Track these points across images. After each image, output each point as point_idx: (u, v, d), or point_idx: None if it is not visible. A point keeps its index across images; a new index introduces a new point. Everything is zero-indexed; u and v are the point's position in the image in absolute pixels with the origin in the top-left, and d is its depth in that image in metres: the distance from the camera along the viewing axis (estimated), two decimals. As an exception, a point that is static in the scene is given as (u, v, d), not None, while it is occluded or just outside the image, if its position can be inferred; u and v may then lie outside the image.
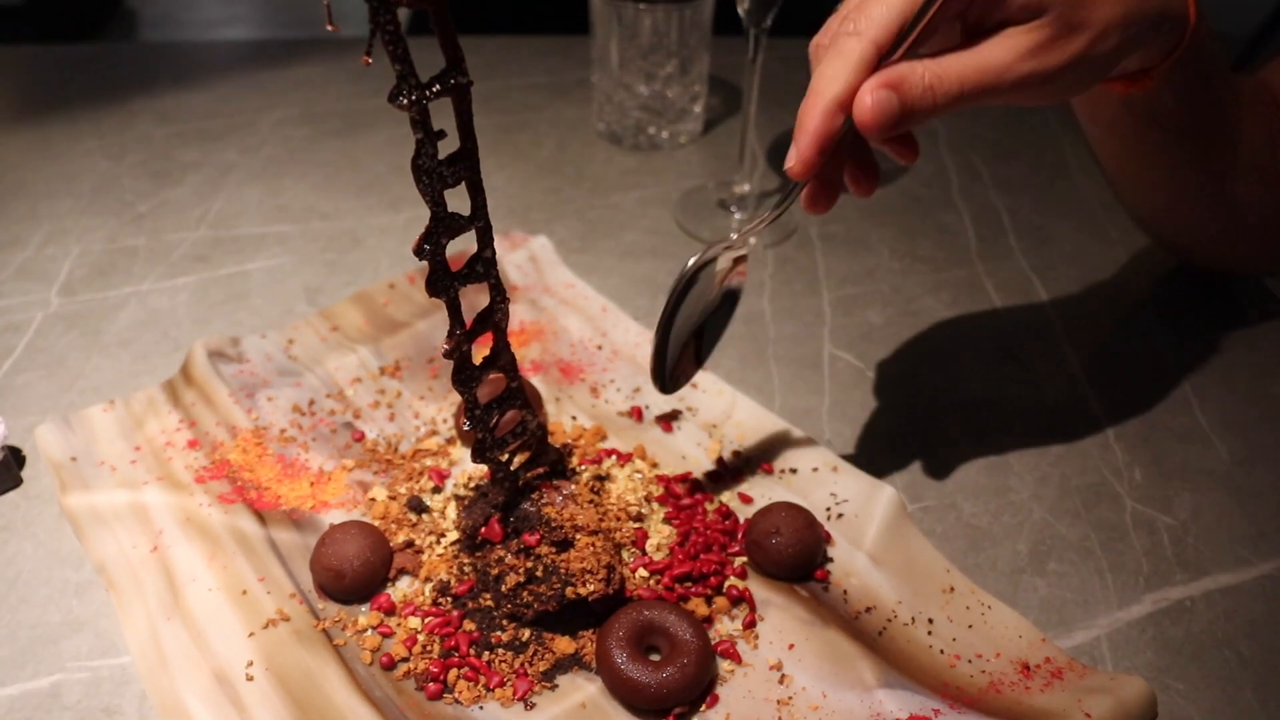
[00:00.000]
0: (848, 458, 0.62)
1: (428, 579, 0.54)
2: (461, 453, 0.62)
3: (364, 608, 0.53)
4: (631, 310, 0.74)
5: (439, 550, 0.56)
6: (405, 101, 0.38)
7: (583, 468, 0.60)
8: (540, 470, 0.55)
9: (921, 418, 0.66)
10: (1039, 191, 0.89)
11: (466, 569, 0.54)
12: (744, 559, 0.56)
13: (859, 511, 0.58)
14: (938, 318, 0.75)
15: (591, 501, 0.54)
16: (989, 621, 0.53)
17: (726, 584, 0.54)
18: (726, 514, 0.58)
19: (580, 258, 0.80)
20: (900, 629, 0.53)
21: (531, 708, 0.49)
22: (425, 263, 0.44)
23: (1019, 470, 0.63)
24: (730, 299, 0.56)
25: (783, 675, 0.50)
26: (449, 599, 0.53)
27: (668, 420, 0.65)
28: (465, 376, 0.48)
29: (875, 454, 0.63)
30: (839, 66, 0.46)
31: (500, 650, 0.51)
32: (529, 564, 0.51)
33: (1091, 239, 0.83)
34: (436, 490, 0.59)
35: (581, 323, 0.72)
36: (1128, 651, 0.52)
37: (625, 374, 0.68)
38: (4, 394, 0.66)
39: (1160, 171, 0.67)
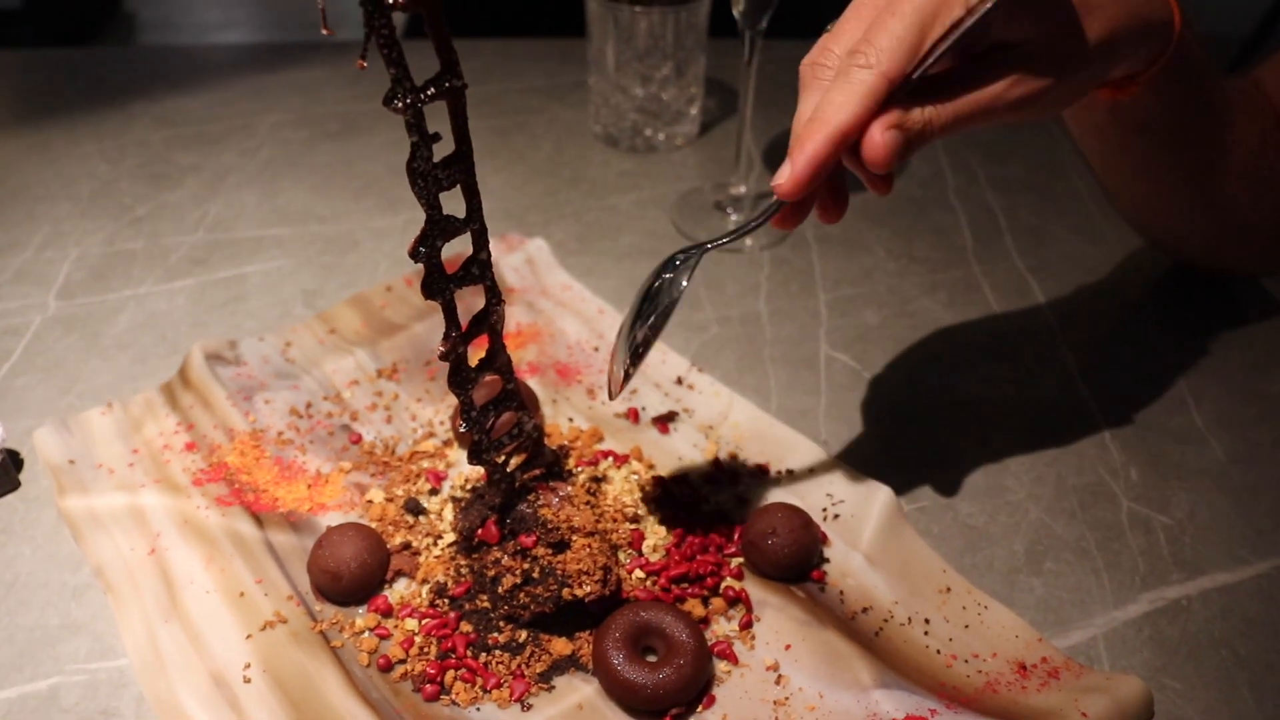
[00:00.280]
0: (844, 458, 0.62)
1: (425, 581, 0.54)
2: (458, 455, 0.62)
3: (361, 609, 0.53)
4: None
5: (436, 552, 0.56)
6: (400, 105, 0.39)
7: (579, 469, 0.60)
8: (537, 472, 0.55)
9: (918, 418, 0.66)
10: (1035, 192, 0.90)
11: (463, 571, 0.54)
12: (740, 560, 0.56)
13: (855, 512, 0.58)
14: (934, 318, 0.75)
15: (588, 503, 0.55)
16: (985, 621, 0.53)
17: (723, 585, 0.55)
18: (723, 515, 0.58)
19: (577, 260, 0.80)
20: (897, 629, 0.53)
21: (528, 709, 0.49)
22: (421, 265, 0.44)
23: (1015, 470, 0.63)
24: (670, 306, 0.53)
25: (779, 676, 0.50)
26: (446, 600, 0.53)
27: (664, 422, 0.65)
28: (461, 379, 0.48)
29: (871, 454, 0.64)
30: (849, 96, 0.45)
31: (497, 651, 0.51)
32: (526, 565, 0.51)
33: (1087, 240, 0.83)
34: (433, 492, 0.60)
35: (578, 325, 0.72)
36: (1124, 651, 0.53)
37: (622, 375, 0.68)
38: (2, 397, 0.66)
39: (1149, 175, 0.67)
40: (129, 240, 0.82)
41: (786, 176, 0.46)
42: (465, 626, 0.52)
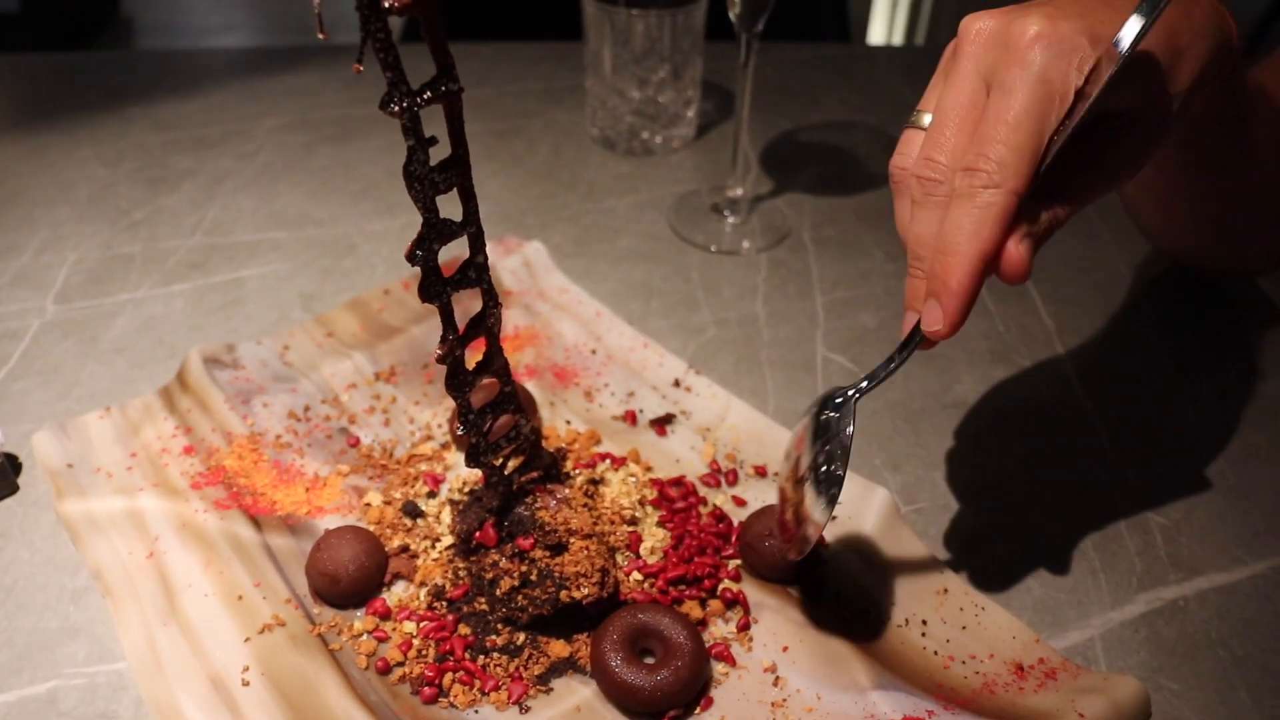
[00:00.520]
0: (841, 460, 0.62)
1: (423, 583, 0.54)
2: (456, 458, 0.62)
3: (359, 612, 0.53)
4: (626, 315, 0.74)
5: (434, 555, 0.56)
6: (396, 109, 0.39)
7: (577, 472, 0.60)
8: (534, 474, 0.55)
9: (914, 419, 0.66)
10: (1032, 194, 0.90)
11: (461, 573, 0.54)
12: (738, 562, 0.56)
13: (853, 514, 0.58)
14: (931, 320, 0.75)
15: (585, 505, 0.55)
16: (983, 622, 0.53)
17: (720, 587, 0.55)
18: (720, 517, 0.58)
19: (574, 263, 0.80)
20: (894, 630, 0.53)
21: (526, 711, 0.49)
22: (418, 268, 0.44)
23: (1012, 471, 0.63)
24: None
25: (777, 677, 0.50)
26: (444, 603, 0.53)
27: (661, 424, 0.65)
28: (459, 382, 0.48)
29: (869, 456, 0.64)
30: (981, 223, 0.43)
31: (495, 654, 0.51)
32: (523, 568, 0.51)
33: (1084, 240, 0.84)
34: (431, 495, 0.60)
35: (576, 327, 0.72)
36: (1121, 651, 0.53)
37: (619, 378, 0.68)
38: (0, 401, 0.66)
39: (1182, 184, 0.66)
40: (127, 244, 0.82)
41: (941, 321, 0.44)
42: (463, 629, 0.52)
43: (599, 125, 0.95)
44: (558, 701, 0.49)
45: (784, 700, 0.49)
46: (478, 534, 0.53)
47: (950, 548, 0.58)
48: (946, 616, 0.53)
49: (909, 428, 0.66)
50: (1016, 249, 0.44)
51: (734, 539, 0.57)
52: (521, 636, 0.52)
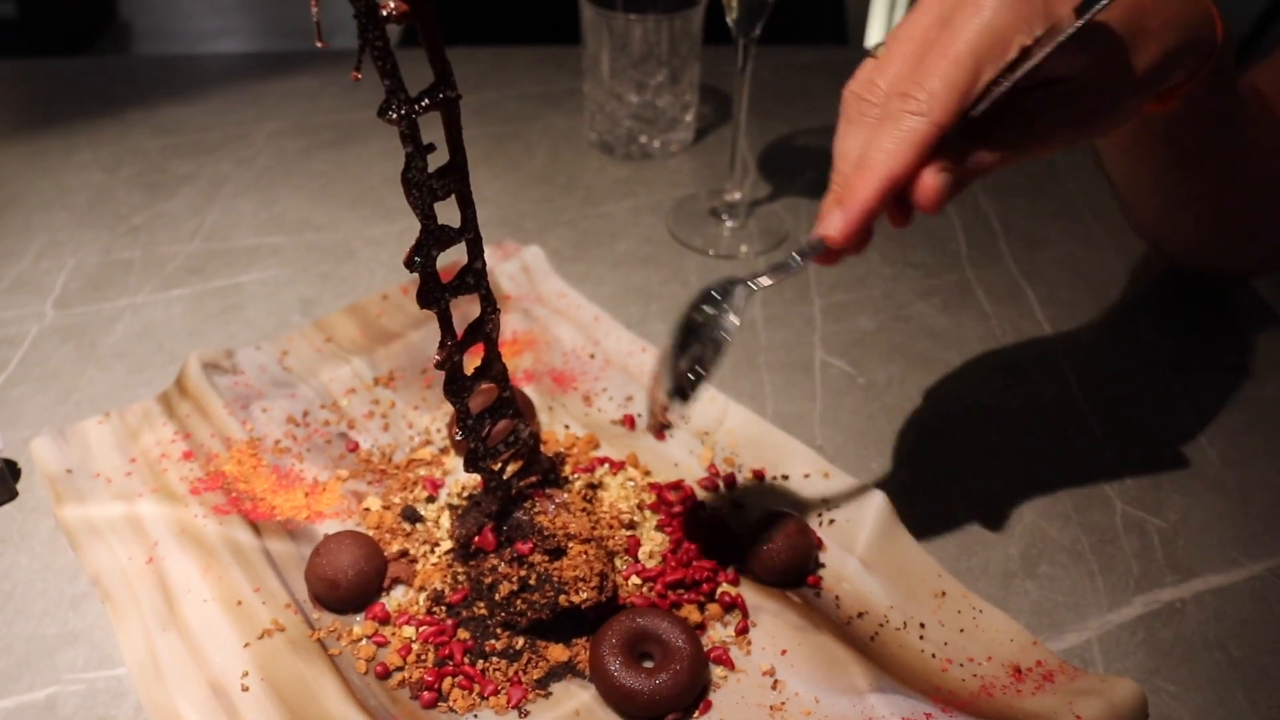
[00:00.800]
0: (839, 464, 0.63)
1: (422, 588, 0.54)
2: (455, 462, 0.62)
3: (359, 617, 0.53)
4: (624, 319, 0.74)
5: (433, 559, 0.56)
6: (394, 116, 0.39)
7: (575, 476, 0.60)
8: (533, 479, 0.55)
9: (912, 423, 0.67)
10: (1029, 196, 0.90)
11: (460, 578, 0.54)
12: (736, 565, 0.56)
13: (850, 517, 0.58)
14: (928, 323, 0.75)
15: (584, 510, 0.55)
16: (980, 625, 0.53)
17: (719, 591, 0.55)
18: (719, 521, 0.58)
19: (573, 267, 0.80)
20: (892, 634, 0.53)
21: (526, 715, 0.49)
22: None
23: (1010, 474, 0.63)
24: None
25: (775, 681, 0.51)
26: (443, 608, 0.53)
27: (660, 428, 0.65)
28: (457, 387, 0.48)
29: (866, 459, 0.64)
30: (899, 144, 0.44)
31: (494, 658, 0.51)
32: (522, 572, 0.51)
33: (1081, 243, 0.84)
34: (430, 500, 0.60)
35: (574, 332, 0.72)
36: (1118, 653, 0.53)
37: (618, 383, 0.68)
38: (-1, 407, 0.67)
39: (1172, 181, 0.66)
40: (126, 249, 0.82)
41: (838, 227, 0.46)
42: (462, 633, 0.52)
43: (597, 129, 0.95)
44: (557, 705, 0.50)
45: (782, 703, 0.50)
46: (477, 539, 0.53)
47: (948, 550, 0.58)
48: (944, 619, 0.54)
49: (906, 430, 0.66)
50: (932, 178, 0.45)
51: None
52: (520, 641, 0.52)
